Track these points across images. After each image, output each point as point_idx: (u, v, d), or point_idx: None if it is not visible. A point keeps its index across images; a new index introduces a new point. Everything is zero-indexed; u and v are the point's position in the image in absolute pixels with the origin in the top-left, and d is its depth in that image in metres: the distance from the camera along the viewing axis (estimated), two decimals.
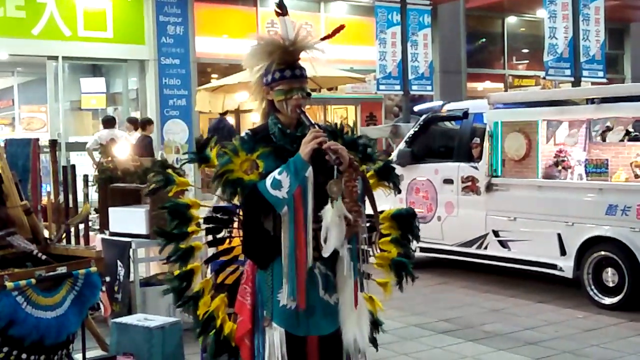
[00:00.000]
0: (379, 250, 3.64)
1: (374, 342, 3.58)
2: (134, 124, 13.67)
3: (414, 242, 3.73)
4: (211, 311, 3.44)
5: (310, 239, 3.04)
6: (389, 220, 3.60)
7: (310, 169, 3.01)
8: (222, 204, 3.79)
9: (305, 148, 3.00)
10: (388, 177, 3.53)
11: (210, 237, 3.57)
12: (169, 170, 3.62)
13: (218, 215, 3.53)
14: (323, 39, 3.28)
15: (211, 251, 3.78)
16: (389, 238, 3.61)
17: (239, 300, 3.32)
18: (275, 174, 3.02)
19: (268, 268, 3.17)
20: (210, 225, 3.54)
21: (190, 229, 3.45)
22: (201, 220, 3.52)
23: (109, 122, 12.70)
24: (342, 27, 3.32)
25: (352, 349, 3.13)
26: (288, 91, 3.14)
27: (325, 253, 3.03)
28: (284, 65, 3.16)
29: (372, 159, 3.46)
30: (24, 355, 3.89)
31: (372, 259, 3.42)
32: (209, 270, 3.74)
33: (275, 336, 3.13)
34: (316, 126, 3.11)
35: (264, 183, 3.04)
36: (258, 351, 3.21)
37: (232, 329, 3.38)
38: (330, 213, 2.98)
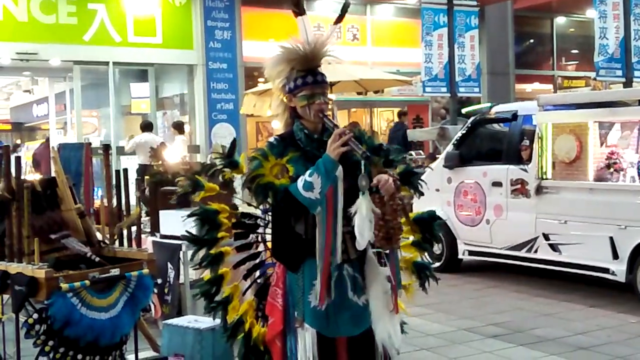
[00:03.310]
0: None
1: None
2: (177, 128, 13.96)
3: (436, 245, 3.78)
4: (240, 315, 3.54)
5: (339, 237, 3.08)
6: (411, 224, 3.64)
7: (340, 168, 3.05)
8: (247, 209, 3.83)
9: (333, 148, 3.04)
10: (409, 181, 3.56)
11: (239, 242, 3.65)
12: (198, 177, 3.71)
13: (245, 221, 3.57)
14: (336, 22, 3.35)
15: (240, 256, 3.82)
16: (410, 241, 3.67)
17: (270, 302, 3.37)
18: (305, 176, 3.06)
19: (298, 270, 3.22)
20: (238, 231, 3.62)
21: (219, 235, 3.56)
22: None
23: (147, 127, 13.20)
24: (347, 4, 3.42)
25: (387, 346, 3.18)
26: (310, 96, 3.20)
27: (361, 246, 3.08)
28: (305, 71, 3.22)
29: (393, 164, 3.48)
30: (79, 356, 3.96)
31: None
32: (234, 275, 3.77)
33: (307, 337, 3.19)
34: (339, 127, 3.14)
35: (296, 186, 3.08)
36: (290, 352, 3.27)
37: (260, 333, 3.47)
38: (365, 206, 3.01)
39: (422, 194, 3.61)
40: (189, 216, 3.63)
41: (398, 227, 3.10)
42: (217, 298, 3.58)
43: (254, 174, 3.17)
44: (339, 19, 3.39)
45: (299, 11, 3.26)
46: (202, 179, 3.71)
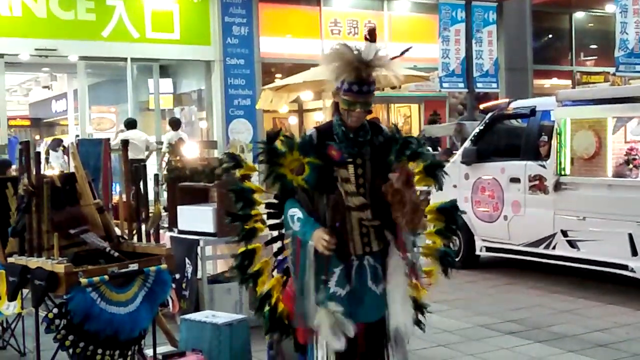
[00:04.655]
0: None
1: (419, 323, 3.80)
2: (171, 124, 14.06)
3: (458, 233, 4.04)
4: (267, 290, 3.72)
5: (309, 301, 3.37)
6: (435, 213, 3.79)
7: (311, 243, 3.35)
8: None
9: (318, 242, 3.30)
10: (434, 173, 3.72)
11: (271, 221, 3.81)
12: (240, 155, 3.92)
13: (277, 201, 3.69)
14: (393, 58, 3.43)
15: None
16: (434, 229, 3.81)
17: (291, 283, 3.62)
18: (295, 216, 3.38)
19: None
20: (271, 210, 3.77)
21: (254, 212, 3.75)
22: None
23: (130, 124, 13.48)
24: (409, 48, 3.56)
25: (400, 334, 3.43)
26: (352, 103, 3.35)
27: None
28: (355, 79, 3.32)
29: (420, 157, 3.63)
30: (99, 350, 3.99)
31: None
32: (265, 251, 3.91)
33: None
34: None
35: (289, 206, 3.41)
36: (312, 331, 3.46)
37: (285, 308, 3.66)
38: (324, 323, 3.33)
39: (440, 187, 3.75)
40: (228, 191, 3.83)
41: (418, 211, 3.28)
42: (249, 271, 3.78)
43: (275, 160, 3.39)
44: (396, 57, 3.43)
45: (371, 40, 3.36)
46: (242, 158, 3.90)
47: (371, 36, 3.35)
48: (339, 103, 3.42)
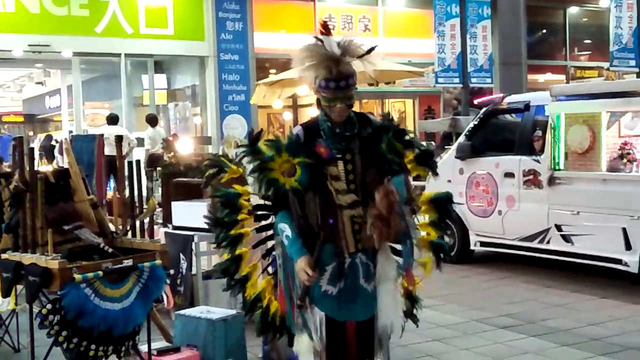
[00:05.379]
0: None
1: (413, 317, 3.78)
2: (148, 121, 14.00)
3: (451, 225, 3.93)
4: (258, 292, 3.69)
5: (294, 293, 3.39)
6: (427, 204, 3.77)
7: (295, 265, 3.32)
8: None
9: (299, 272, 3.26)
10: (426, 162, 3.68)
11: (259, 224, 3.75)
12: (223, 159, 3.87)
13: (266, 203, 3.66)
14: (360, 57, 3.35)
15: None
16: (427, 221, 3.78)
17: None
18: (285, 233, 3.32)
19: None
20: (259, 212, 3.72)
21: (240, 217, 3.68)
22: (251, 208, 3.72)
23: (112, 120, 13.49)
24: (375, 47, 3.44)
25: (387, 332, 3.40)
26: (332, 100, 3.28)
27: None
28: (330, 76, 3.25)
29: (413, 146, 3.57)
30: (93, 346, 3.98)
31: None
32: (252, 255, 3.87)
33: (316, 319, 3.35)
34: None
35: (280, 220, 3.35)
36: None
37: (278, 309, 3.63)
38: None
39: (437, 174, 3.74)
40: (213, 197, 3.74)
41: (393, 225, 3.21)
42: (236, 277, 3.73)
43: (264, 165, 3.30)
44: (365, 54, 3.36)
45: (326, 33, 3.30)
46: (227, 162, 3.84)
47: (326, 30, 3.28)
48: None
